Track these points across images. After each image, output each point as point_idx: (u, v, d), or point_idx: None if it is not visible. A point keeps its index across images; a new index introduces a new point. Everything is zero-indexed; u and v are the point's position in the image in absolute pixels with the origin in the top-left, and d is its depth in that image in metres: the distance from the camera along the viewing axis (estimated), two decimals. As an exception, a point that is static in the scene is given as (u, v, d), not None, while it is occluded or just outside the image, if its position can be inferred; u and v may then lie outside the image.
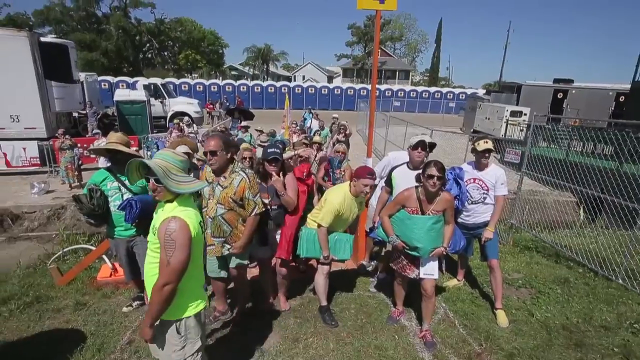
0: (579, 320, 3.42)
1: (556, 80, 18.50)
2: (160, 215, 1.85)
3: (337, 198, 3.10)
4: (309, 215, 3.33)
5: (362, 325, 3.32)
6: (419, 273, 3.02)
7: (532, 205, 6.55)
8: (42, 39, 10.60)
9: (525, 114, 14.97)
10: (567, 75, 18.76)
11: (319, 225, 3.11)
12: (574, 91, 17.72)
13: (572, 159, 7.53)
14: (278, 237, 3.29)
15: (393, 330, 3.25)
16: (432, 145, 3.81)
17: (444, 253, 3.08)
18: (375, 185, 3.96)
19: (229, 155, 2.73)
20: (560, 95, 17.78)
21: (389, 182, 3.58)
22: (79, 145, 9.38)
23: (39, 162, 10.06)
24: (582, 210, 7.75)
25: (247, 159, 4.23)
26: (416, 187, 2.94)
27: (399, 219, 3.00)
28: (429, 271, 2.99)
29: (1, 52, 9.44)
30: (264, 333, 3.17)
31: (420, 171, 3.03)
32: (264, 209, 2.82)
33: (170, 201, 1.86)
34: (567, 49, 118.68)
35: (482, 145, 3.47)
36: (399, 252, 3.10)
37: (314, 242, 3.19)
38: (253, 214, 2.78)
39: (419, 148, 3.33)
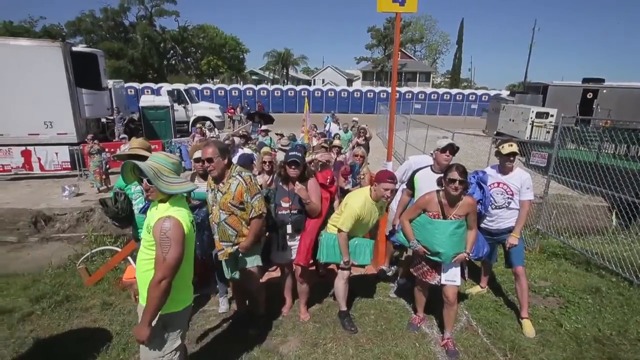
0: (613, 332, 3.25)
1: (585, 80, 17.77)
2: (154, 215, 1.94)
3: (357, 202, 3.07)
4: (329, 220, 3.32)
5: (382, 331, 3.27)
6: (440, 279, 2.95)
7: (559, 210, 6.29)
8: (74, 48, 11.15)
9: (552, 115, 14.45)
10: (598, 75, 17.97)
11: (339, 230, 3.09)
12: (605, 91, 16.96)
13: (604, 162, 7.20)
14: (296, 242, 3.26)
15: (414, 338, 3.19)
16: (456, 149, 3.75)
17: (467, 259, 2.99)
18: (396, 190, 3.92)
19: (225, 160, 2.75)
20: (590, 96, 17.06)
21: (410, 185, 3.54)
22: (106, 149, 9.75)
23: (69, 166, 10.51)
24: (614, 215, 7.39)
25: (267, 163, 4.28)
26: (437, 191, 2.88)
27: (420, 224, 2.94)
28: (451, 277, 2.92)
29: (37, 61, 9.99)
30: (283, 337, 3.18)
31: (442, 174, 2.98)
32: (260, 212, 2.80)
33: (164, 201, 1.95)
34: (597, 47, 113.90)
35: (506, 148, 3.36)
36: (420, 257, 3.02)
37: (334, 247, 3.17)
38: (251, 216, 2.78)
39: (448, 151, 3.27)
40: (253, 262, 2.96)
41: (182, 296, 2.02)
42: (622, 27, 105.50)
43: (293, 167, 3.06)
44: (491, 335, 3.23)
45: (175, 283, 1.88)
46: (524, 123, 14.79)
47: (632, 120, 12.51)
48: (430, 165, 3.47)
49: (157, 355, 1.99)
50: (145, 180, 1.90)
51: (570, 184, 6.07)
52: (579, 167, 5.71)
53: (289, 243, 3.21)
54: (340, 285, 3.29)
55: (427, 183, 3.28)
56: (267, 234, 3.16)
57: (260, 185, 3.24)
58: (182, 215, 1.91)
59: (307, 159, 4.71)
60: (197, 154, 3.61)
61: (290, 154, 3.12)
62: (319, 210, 3.20)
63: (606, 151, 10.19)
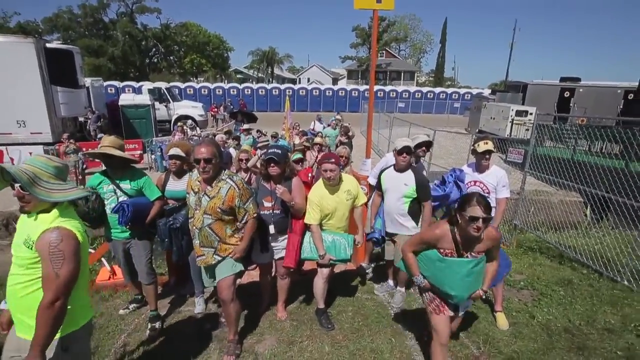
0: (582, 322, 3.33)
1: (563, 79, 18.25)
2: (34, 227, 1.64)
3: (313, 191, 3.12)
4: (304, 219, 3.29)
5: (359, 327, 3.27)
6: (455, 313, 2.54)
7: (536, 205, 6.44)
8: (48, 45, 10.79)
9: (531, 114, 14.79)
10: (575, 74, 18.48)
11: (309, 226, 3.09)
12: (581, 90, 17.46)
13: (579, 159, 7.40)
14: (279, 243, 3.18)
15: (390, 334, 3.20)
16: (429, 144, 3.78)
17: (482, 296, 2.54)
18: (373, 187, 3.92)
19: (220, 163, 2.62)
20: (567, 94, 17.53)
21: (379, 185, 3.57)
22: (83, 149, 9.48)
23: (44, 167, 10.19)
24: (589, 210, 7.61)
25: (243, 161, 4.23)
26: (451, 225, 2.30)
27: (428, 258, 2.42)
28: (464, 308, 2.60)
29: (9, 58, 9.64)
30: (259, 335, 3.14)
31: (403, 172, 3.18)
32: (255, 214, 2.73)
33: (47, 211, 1.68)
34: (574, 47, 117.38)
35: (482, 146, 3.38)
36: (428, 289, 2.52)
37: (310, 243, 3.16)
38: (244, 221, 2.68)
39: (404, 154, 3.28)
40: (235, 268, 2.73)
41: (81, 312, 1.77)
42: (599, 29, 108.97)
43: (272, 164, 2.97)
44: (465, 329, 3.27)
45: (71, 300, 1.64)
46: (504, 121, 15.11)
47: (606, 118, 12.91)
48: (393, 166, 3.48)
49: None
50: (17, 186, 1.61)
51: (547, 180, 6.22)
52: (556, 164, 5.86)
53: (272, 244, 3.15)
54: (319, 283, 3.26)
55: (392, 183, 3.38)
56: None
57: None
58: (74, 225, 1.67)
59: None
60: (172, 151, 3.52)
61: (269, 151, 3.03)
62: (304, 209, 3.14)
63: (581, 148, 10.49)
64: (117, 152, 2.95)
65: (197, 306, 3.53)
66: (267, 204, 3.06)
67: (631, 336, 3.14)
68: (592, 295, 3.82)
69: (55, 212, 1.67)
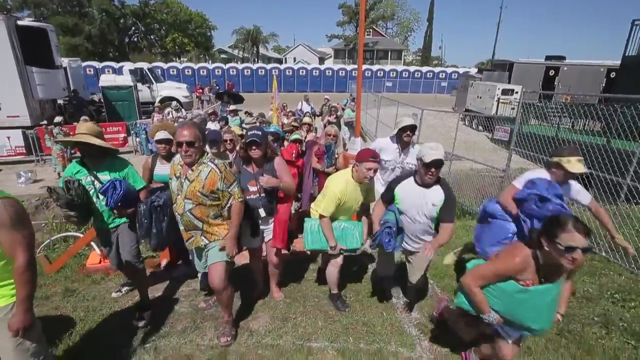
0: (562, 292, 3.50)
1: (548, 58, 18.42)
2: None
3: (338, 186, 2.87)
4: (312, 205, 3.20)
5: (350, 303, 3.36)
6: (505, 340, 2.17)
7: (521, 182, 6.60)
8: (20, 22, 10.23)
9: (517, 92, 14.94)
10: (561, 53, 18.64)
11: (321, 216, 2.93)
12: (565, 68, 17.69)
13: (562, 136, 7.57)
14: (268, 225, 3.09)
15: (381, 308, 3.30)
16: (414, 128, 3.62)
17: (560, 321, 2.24)
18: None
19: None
20: (552, 73, 17.73)
21: (388, 197, 2.88)
22: (71, 133, 9.18)
23: (24, 151, 9.88)
24: (570, 186, 7.85)
25: (228, 141, 4.15)
26: (533, 252, 1.88)
27: (501, 292, 1.98)
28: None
29: (-23, 37, 9.13)
30: (253, 314, 3.20)
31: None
32: (241, 198, 2.63)
33: None
34: (560, 25, 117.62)
35: (575, 165, 2.66)
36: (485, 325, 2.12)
37: (319, 233, 2.99)
38: (228, 205, 2.60)
39: (433, 168, 2.54)
40: (223, 255, 2.63)
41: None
42: (586, 6, 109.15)
43: (254, 147, 2.80)
44: (454, 301, 3.39)
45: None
46: (490, 100, 15.24)
47: (589, 95, 13.15)
48: (414, 176, 2.76)
49: (37, 341, 1.90)
50: None
51: (532, 157, 6.36)
52: (540, 142, 5.98)
53: (262, 227, 3.06)
54: (334, 272, 3.16)
55: (413, 201, 2.71)
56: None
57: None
58: (9, 194, 1.77)
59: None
60: (160, 135, 3.40)
61: (249, 132, 2.85)
62: (294, 186, 3.08)
63: (565, 126, 10.71)
64: (95, 141, 2.65)
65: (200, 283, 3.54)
66: (252, 188, 2.91)
67: (607, 303, 3.32)
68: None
69: None
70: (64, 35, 34.13)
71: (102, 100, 13.68)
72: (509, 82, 16.92)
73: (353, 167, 2.91)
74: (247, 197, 2.86)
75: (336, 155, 4.38)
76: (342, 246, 3.01)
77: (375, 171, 2.80)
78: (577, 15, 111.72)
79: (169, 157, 3.34)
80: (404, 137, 3.57)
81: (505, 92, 15.05)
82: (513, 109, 14.09)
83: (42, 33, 10.85)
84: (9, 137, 9.74)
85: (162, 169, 3.35)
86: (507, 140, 6.60)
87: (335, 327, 3.03)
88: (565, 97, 14.03)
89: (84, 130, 2.69)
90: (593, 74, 17.75)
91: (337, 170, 4.00)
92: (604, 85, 17.65)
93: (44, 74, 10.65)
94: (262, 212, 2.98)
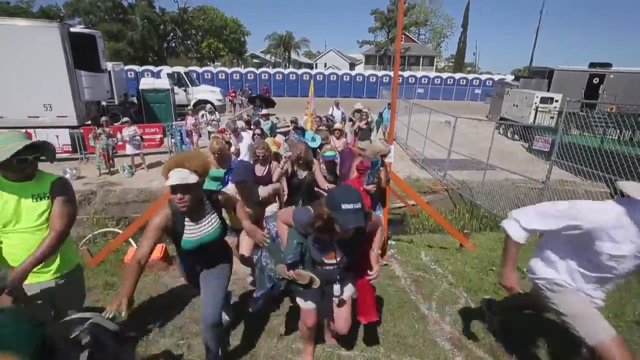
0: (610, 314, 3.27)
1: (592, 65, 17.46)
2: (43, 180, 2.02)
3: None
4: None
5: (380, 313, 3.30)
6: None
7: (561, 196, 6.28)
8: (72, 29, 10.97)
9: (556, 101, 14.29)
10: (605, 60, 17.62)
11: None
12: (611, 76, 16.69)
13: (608, 147, 7.14)
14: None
15: (413, 319, 3.22)
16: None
17: None
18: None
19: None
20: (596, 81, 16.79)
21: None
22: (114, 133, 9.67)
23: (70, 150, 10.50)
24: (615, 201, 7.38)
25: (260, 157, 3.84)
26: None
27: None
28: None
29: (35, 43, 9.86)
30: (283, 317, 3.21)
31: None
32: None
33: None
34: (605, 32, 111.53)
35: None
36: None
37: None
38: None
39: None
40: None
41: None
42: (631, 12, 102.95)
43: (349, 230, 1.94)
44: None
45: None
46: (527, 108, 14.63)
47: (638, 105, 12.35)
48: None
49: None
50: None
51: (573, 169, 6.03)
52: (582, 153, 5.68)
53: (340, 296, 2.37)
54: None
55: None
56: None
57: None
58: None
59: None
60: (175, 178, 2.01)
61: (343, 220, 1.84)
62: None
63: (610, 137, 10.10)
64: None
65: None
66: (330, 261, 2.15)
67: (662, 330, 3.07)
68: (620, 287, 3.73)
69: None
70: (109, 41, 36.16)
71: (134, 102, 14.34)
72: (548, 90, 16.19)
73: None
74: (321, 269, 2.18)
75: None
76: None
77: None
78: (626, 20, 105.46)
79: (199, 212, 2.22)
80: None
81: (544, 100, 14.41)
82: (552, 118, 13.46)
83: (91, 39, 11.58)
84: (57, 136, 10.38)
85: (192, 231, 2.22)
86: (547, 151, 6.30)
87: (365, 336, 2.98)
88: (610, 106, 13.25)
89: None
90: (642, 82, 16.63)
91: (378, 188, 3.62)
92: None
93: (91, 77, 11.35)
94: (336, 290, 2.33)
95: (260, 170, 3.92)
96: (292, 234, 2.16)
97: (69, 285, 2.14)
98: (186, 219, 2.17)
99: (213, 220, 2.27)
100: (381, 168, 3.69)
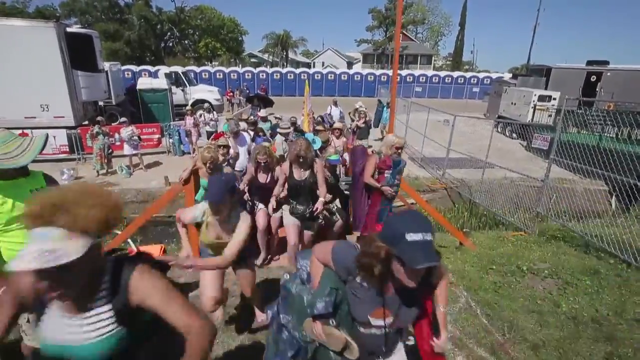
0: (610, 313, 3.28)
1: (590, 63, 17.49)
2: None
3: None
4: None
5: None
6: None
7: (559, 193, 6.29)
8: (68, 29, 10.91)
9: (554, 99, 14.32)
10: (602, 58, 17.63)
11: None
12: (609, 73, 16.72)
13: (606, 145, 7.15)
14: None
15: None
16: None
17: None
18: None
19: None
20: (593, 78, 16.82)
21: None
22: (110, 132, 9.63)
23: (67, 150, 10.44)
24: (614, 199, 7.40)
25: (262, 164, 3.72)
26: None
27: None
28: None
29: (31, 43, 9.78)
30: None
31: None
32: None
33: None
34: (602, 30, 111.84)
35: None
36: None
37: None
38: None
39: None
40: None
41: None
42: (628, 10, 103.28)
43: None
44: (490, 315, 3.26)
45: None
46: (525, 106, 14.66)
47: (636, 102, 12.38)
48: None
49: None
50: None
51: (572, 167, 6.04)
52: (581, 151, 5.68)
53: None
54: None
55: None
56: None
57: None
58: None
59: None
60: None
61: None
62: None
63: (608, 134, 10.12)
64: None
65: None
66: (376, 322, 1.52)
67: (662, 327, 3.07)
68: (620, 285, 3.74)
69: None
70: (106, 41, 36.00)
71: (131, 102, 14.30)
72: (546, 88, 16.21)
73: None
74: (364, 331, 1.55)
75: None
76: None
77: None
78: (623, 18, 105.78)
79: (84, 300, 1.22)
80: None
81: (542, 98, 14.43)
82: (550, 116, 13.48)
83: (88, 39, 11.51)
84: (54, 136, 10.32)
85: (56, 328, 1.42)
86: (546, 149, 6.30)
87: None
88: (608, 104, 13.28)
89: None
90: None
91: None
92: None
93: (88, 77, 11.28)
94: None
95: (263, 177, 3.82)
96: (327, 276, 1.58)
97: None
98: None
99: (104, 321, 1.15)
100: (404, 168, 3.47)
